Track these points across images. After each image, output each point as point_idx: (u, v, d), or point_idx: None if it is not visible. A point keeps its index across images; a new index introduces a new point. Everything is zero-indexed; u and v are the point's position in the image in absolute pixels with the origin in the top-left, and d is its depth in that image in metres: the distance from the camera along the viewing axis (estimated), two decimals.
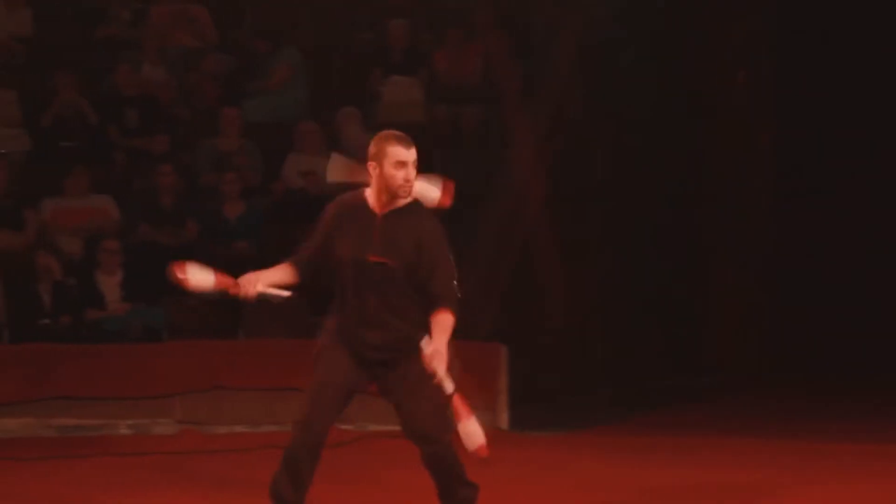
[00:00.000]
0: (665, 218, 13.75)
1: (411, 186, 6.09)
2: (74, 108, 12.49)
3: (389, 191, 6.08)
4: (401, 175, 6.05)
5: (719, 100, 14.34)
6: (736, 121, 14.33)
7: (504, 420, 10.49)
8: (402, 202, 6.11)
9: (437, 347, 5.97)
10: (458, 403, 6.12)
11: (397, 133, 6.18)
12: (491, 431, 10.05)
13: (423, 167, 13.67)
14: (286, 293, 6.32)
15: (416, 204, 6.14)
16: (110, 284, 11.09)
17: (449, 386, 6.00)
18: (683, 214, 14.13)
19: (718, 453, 9.57)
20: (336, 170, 6.50)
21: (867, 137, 13.96)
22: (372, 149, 6.10)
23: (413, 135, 13.71)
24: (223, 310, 11.41)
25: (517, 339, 10.80)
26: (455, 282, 6.14)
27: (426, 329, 6.06)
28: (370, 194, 6.14)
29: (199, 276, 6.44)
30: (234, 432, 10.45)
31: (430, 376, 5.99)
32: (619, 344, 12.70)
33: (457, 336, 10.84)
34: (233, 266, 11.41)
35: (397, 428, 10.36)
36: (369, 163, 6.09)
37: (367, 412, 10.60)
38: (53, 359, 10.51)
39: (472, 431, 6.09)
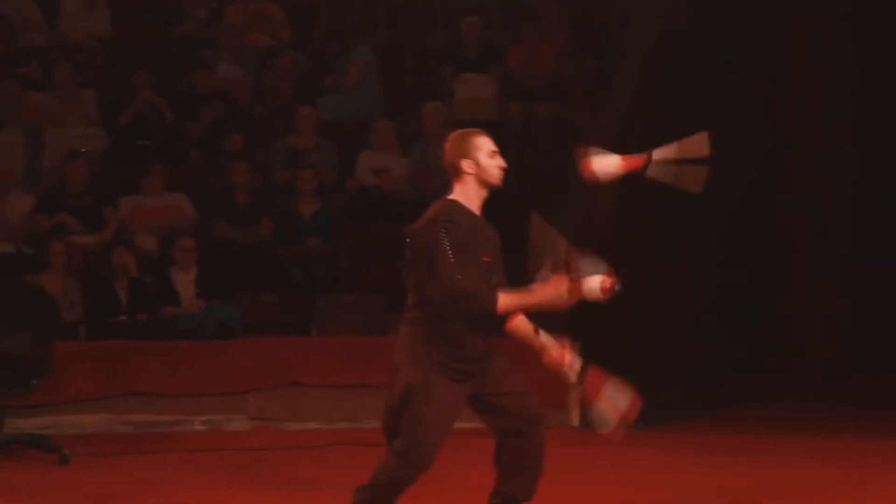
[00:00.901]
0: (741, 216, 13.63)
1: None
2: (151, 107, 12.60)
3: (488, 183, 6.01)
4: (497, 163, 6.00)
5: (797, 96, 14.20)
6: (815, 118, 14.17)
7: (575, 418, 10.47)
8: None
9: (556, 345, 5.90)
10: (592, 379, 5.99)
11: (470, 129, 6.12)
12: (562, 429, 10.11)
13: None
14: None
15: None
16: (185, 282, 11.18)
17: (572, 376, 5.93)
18: (760, 212, 14.00)
19: (788, 452, 9.49)
20: (606, 166, 6.15)
21: None
22: (457, 148, 6.02)
23: (487, 132, 13.76)
24: (297, 307, 11.49)
25: (588, 336, 10.74)
26: None
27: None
28: (465, 198, 6.01)
29: (604, 163, 6.10)
30: (307, 429, 10.49)
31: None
32: (691, 342, 12.62)
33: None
34: (306, 264, 11.64)
35: (466, 426, 10.44)
36: (462, 161, 5.98)
37: None
38: (129, 356, 10.60)
39: (612, 400, 5.94)
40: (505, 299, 5.87)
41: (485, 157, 5.99)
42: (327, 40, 13.81)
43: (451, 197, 6.01)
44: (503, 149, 13.88)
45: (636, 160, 6.05)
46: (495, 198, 12.76)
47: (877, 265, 13.82)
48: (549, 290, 5.90)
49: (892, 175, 13.92)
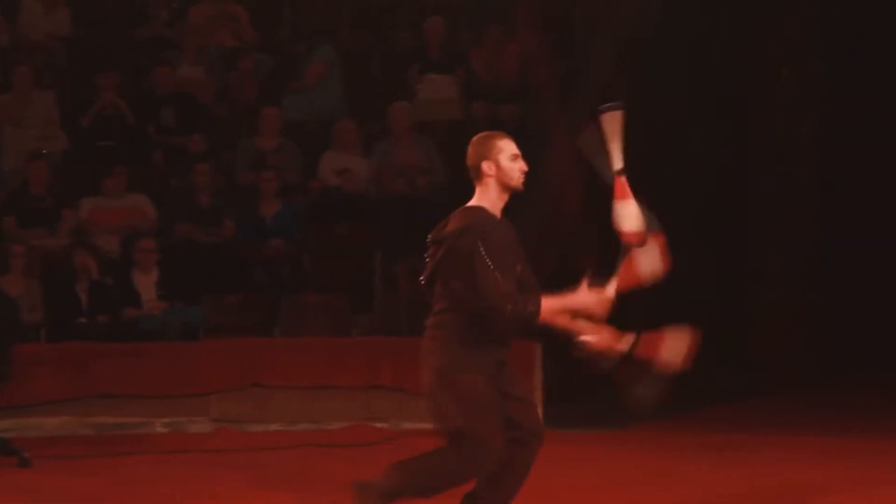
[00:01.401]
0: (709, 215, 13.65)
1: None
2: (113, 107, 12.52)
3: (508, 187, 5.93)
4: (518, 167, 5.94)
5: (764, 98, 14.24)
6: (780, 118, 14.22)
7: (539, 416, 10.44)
8: None
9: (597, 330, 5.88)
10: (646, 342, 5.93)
11: (494, 131, 6.09)
12: None
13: (460, 164, 13.63)
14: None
15: None
16: (147, 283, 11.12)
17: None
18: (727, 212, 14.03)
19: (758, 452, 9.50)
20: (631, 218, 5.97)
21: None
22: (478, 150, 5.95)
23: (450, 132, 13.74)
24: (261, 308, 11.45)
25: (553, 337, 10.73)
26: None
27: None
28: (489, 203, 5.91)
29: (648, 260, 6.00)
30: (270, 430, 10.45)
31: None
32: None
33: None
34: (270, 265, 11.60)
35: (431, 426, 10.43)
36: (483, 163, 5.91)
37: (401, 410, 10.63)
38: (91, 358, 10.54)
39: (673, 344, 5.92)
40: (547, 304, 5.81)
41: (506, 159, 5.92)
42: (291, 41, 13.77)
43: (476, 203, 5.92)
44: (466, 150, 13.88)
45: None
46: (459, 199, 12.77)
47: (844, 262, 13.88)
48: (590, 299, 5.87)
49: (856, 174, 13.98)
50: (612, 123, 5.97)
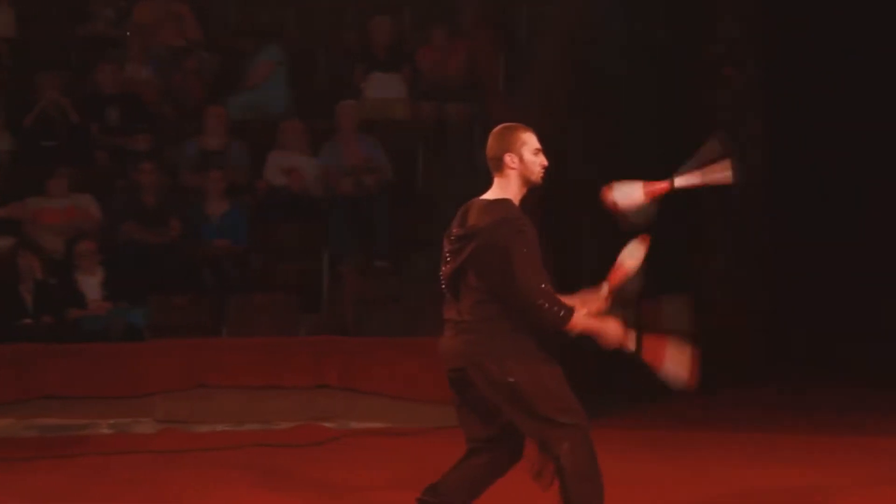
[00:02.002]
0: (656, 214, 13.67)
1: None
2: (57, 107, 12.42)
3: (529, 182, 5.83)
4: (540, 161, 5.85)
5: (707, 96, 14.30)
6: (724, 117, 14.29)
7: None
8: None
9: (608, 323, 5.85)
10: (649, 345, 5.90)
11: (516, 123, 5.96)
12: None
13: (408, 162, 13.61)
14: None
15: None
16: (91, 284, 11.05)
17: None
18: (674, 210, 14.06)
19: (700, 448, 9.54)
20: (628, 195, 5.98)
21: (856, 131, 13.95)
22: (500, 142, 5.82)
23: (397, 131, 13.72)
24: (207, 308, 11.40)
25: None
26: None
27: None
28: (511, 196, 5.79)
29: (626, 192, 5.94)
30: (216, 431, 10.39)
31: None
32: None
33: (439, 333, 10.81)
34: (216, 265, 11.54)
35: (379, 425, 10.43)
36: (506, 155, 5.78)
37: (348, 410, 10.60)
38: (35, 359, 10.47)
39: (676, 357, 5.90)
40: (577, 320, 5.72)
41: (529, 153, 5.82)
42: (237, 40, 13.70)
43: (500, 195, 5.79)
44: (414, 149, 13.89)
45: (659, 187, 5.96)
46: (406, 198, 12.75)
47: (792, 261, 13.98)
48: (592, 300, 5.83)
49: (802, 172, 14.08)
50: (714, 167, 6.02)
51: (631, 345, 5.86)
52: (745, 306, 14.09)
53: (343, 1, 13.96)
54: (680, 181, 5.98)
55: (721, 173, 6.01)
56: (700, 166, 6.05)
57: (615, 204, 5.94)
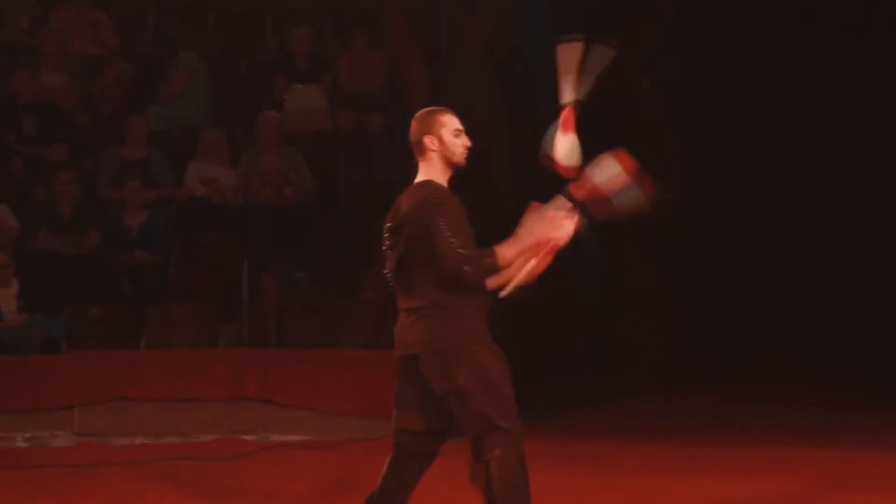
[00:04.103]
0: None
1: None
2: None
3: (451, 163, 5.89)
4: (462, 142, 5.90)
5: (626, 105, 14.38)
6: (642, 126, 14.37)
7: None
8: None
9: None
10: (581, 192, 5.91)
11: (437, 107, 6.01)
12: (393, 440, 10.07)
13: (328, 173, 13.55)
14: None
15: None
16: (6, 295, 10.90)
17: None
18: (592, 221, 14.11)
19: (612, 459, 9.58)
20: (566, 152, 5.96)
21: (772, 140, 14.12)
22: (420, 126, 5.89)
23: (317, 142, 13.66)
24: (125, 319, 11.29)
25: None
26: None
27: None
28: (437, 176, 5.85)
29: (604, 172, 5.91)
30: (134, 444, 10.30)
31: None
32: (524, 348, 12.66)
33: (361, 345, 10.79)
34: (134, 275, 11.44)
35: (300, 438, 10.38)
36: (425, 137, 5.84)
37: (268, 422, 10.55)
38: None
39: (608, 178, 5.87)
40: (504, 250, 5.76)
41: (449, 134, 5.88)
42: (155, 48, 13.59)
43: (423, 178, 5.86)
44: (333, 159, 13.83)
45: (569, 117, 5.92)
46: (327, 208, 12.69)
47: (706, 270, 14.10)
48: (535, 221, 5.83)
49: (718, 181, 14.21)
50: (569, 55, 5.99)
51: (575, 220, 5.85)
52: (665, 317, 14.18)
53: (262, 10, 13.90)
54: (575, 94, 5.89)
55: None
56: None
57: (595, 188, 5.90)
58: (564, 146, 5.97)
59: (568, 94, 6.00)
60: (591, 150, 14.14)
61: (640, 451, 9.93)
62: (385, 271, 5.92)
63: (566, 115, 5.98)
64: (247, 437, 10.31)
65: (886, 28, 13.84)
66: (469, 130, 6.04)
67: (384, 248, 5.90)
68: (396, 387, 5.94)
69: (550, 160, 5.99)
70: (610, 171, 5.98)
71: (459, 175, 6.02)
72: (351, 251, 11.68)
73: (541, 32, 12.98)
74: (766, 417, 11.55)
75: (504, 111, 12.62)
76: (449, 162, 5.89)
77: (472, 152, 6.01)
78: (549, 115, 13.34)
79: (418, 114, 5.99)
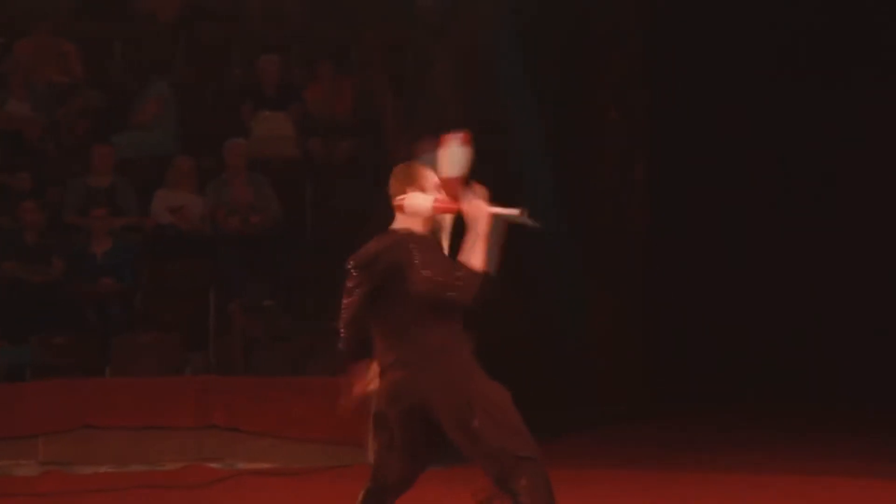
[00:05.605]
0: (541, 248, 13.73)
1: None
2: None
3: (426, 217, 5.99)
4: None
5: (594, 134, 14.41)
6: (610, 155, 14.41)
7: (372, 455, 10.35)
8: None
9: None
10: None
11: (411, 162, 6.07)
12: (361, 468, 10.04)
13: (296, 201, 13.50)
14: (517, 212, 5.86)
15: None
16: None
17: None
18: (559, 245, 14.13)
19: (584, 487, 9.54)
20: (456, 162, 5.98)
21: (739, 170, 14.19)
22: (397, 182, 5.96)
23: (285, 169, 13.63)
24: (91, 348, 11.23)
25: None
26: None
27: None
28: (413, 225, 5.89)
29: (416, 201, 5.88)
30: (100, 472, 10.22)
31: None
32: (494, 376, 12.63)
33: (326, 372, 10.75)
34: (100, 304, 11.38)
35: (266, 466, 10.32)
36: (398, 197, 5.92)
37: (235, 450, 10.49)
38: None
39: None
40: (472, 258, 5.75)
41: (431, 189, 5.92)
42: (122, 76, 13.56)
43: (398, 226, 5.90)
44: (302, 187, 13.78)
45: (450, 206, 5.91)
46: (295, 236, 12.65)
47: (674, 298, 14.12)
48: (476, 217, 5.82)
49: (685, 212, 14.25)
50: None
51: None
52: (634, 345, 14.19)
53: (231, 38, 13.90)
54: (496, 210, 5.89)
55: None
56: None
57: (402, 208, 5.90)
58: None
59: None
60: (562, 175, 14.11)
61: (615, 478, 9.91)
62: (347, 321, 5.86)
63: (450, 207, 5.94)
64: (213, 465, 10.25)
65: (862, 57, 13.96)
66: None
67: (350, 286, 5.84)
68: (383, 434, 5.88)
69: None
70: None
71: None
72: (319, 279, 11.64)
73: (511, 60, 13.02)
74: (737, 444, 11.55)
75: (474, 138, 12.60)
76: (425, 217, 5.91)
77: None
78: (519, 140, 13.40)
79: (396, 169, 6.01)
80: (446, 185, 5.93)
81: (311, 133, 12.76)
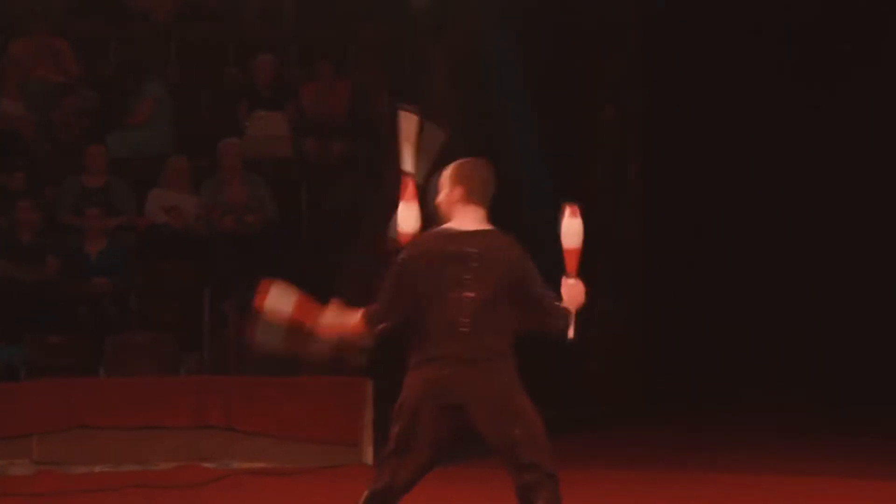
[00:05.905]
0: (537, 248, 13.72)
1: None
2: None
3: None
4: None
5: (590, 135, 14.42)
6: (606, 156, 14.42)
7: (369, 455, 10.36)
8: None
9: None
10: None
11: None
12: (354, 468, 10.04)
13: (291, 201, 13.50)
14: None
15: None
16: None
17: None
18: (555, 246, 14.12)
19: (580, 487, 9.51)
20: (406, 221, 5.97)
21: (737, 169, 14.19)
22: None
23: (280, 169, 13.62)
24: (85, 347, 11.22)
25: (384, 374, 10.70)
26: None
27: None
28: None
29: (277, 300, 5.91)
30: (94, 472, 10.20)
31: None
32: None
33: (324, 371, 10.74)
34: (94, 303, 11.37)
35: (261, 465, 10.32)
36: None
37: (230, 450, 10.48)
38: None
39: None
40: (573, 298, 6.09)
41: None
42: (117, 76, 13.55)
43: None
44: (297, 186, 13.79)
45: (310, 313, 5.85)
46: (290, 236, 12.64)
47: (671, 299, 14.12)
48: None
49: (680, 212, 14.25)
50: (408, 124, 5.98)
51: None
52: (631, 345, 14.19)
53: (226, 38, 13.89)
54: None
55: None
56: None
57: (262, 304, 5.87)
58: (404, 216, 5.95)
59: (408, 165, 5.96)
60: (560, 174, 14.09)
61: (615, 478, 9.90)
62: (461, 300, 5.77)
63: (406, 186, 5.97)
64: (208, 465, 10.24)
65: (862, 57, 13.97)
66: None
67: (463, 276, 5.80)
68: (406, 429, 5.78)
69: (393, 240, 5.96)
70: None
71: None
72: (313, 279, 11.62)
73: (508, 61, 13.03)
74: (733, 444, 11.55)
75: (471, 139, 12.60)
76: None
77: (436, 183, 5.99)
78: (515, 140, 13.37)
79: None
80: (567, 255, 6.00)
81: (306, 133, 12.76)
